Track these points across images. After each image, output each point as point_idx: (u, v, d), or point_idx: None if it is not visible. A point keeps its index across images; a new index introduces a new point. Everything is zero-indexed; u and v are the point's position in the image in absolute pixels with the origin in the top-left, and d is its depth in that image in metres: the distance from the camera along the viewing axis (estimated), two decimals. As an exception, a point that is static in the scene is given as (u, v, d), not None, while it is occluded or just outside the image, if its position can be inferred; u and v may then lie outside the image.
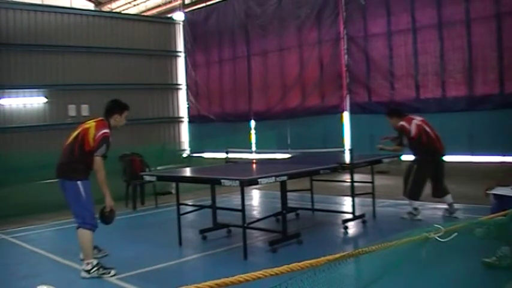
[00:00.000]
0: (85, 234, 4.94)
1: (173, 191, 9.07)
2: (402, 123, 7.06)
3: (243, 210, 5.38)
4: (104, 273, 4.91)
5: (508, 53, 10.67)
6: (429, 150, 6.99)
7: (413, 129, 6.96)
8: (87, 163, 4.95)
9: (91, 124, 5.07)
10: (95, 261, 4.94)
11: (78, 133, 5.04)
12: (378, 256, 2.40)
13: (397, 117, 7.19)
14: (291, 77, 15.17)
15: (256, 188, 10.52)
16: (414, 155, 7.11)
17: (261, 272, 1.88)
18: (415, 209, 7.04)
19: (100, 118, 5.19)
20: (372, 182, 7.34)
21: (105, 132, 4.99)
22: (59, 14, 16.06)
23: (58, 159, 5.12)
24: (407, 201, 7.34)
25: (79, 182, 4.93)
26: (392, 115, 7.25)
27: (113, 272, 4.94)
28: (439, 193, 7.10)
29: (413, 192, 6.98)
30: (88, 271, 4.90)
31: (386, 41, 12.73)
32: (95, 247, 5.32)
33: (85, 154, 4.94)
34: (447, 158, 7.32)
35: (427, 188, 7.12)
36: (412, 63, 12.23)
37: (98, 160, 4.92)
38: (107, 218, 5.19)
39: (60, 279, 5.02)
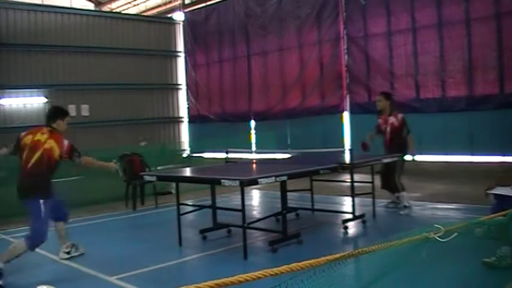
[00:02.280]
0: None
1: (173, 191, 9.07)
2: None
3: (243, 210, 5.38)
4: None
5: (508, 53, 10.67)
6: (403, 145, 7.67)
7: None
8: (52, 177, 5.38)
9: (50, 143, 5.27)
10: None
11: (42, 155, 5.23)
12: (378, 256, 2.40)
13: (391, 102, 7.93)
14: (291, 77, 15.17)
15: (256, 188, 10.52)
16: (392, 150, 7.58)
17: (261, 272, 1.88)
18: (398, 197, 7.69)
19: (45, 129, 5.39)
20: (372, 182, 7.34)
21: (69, 143, 5.39)
22: (59, 14, 16.07)
23: (20, 180, 5.30)
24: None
25: (42, 201, 5.13)
26: (389, 98, 7.99)
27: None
28: (390, 186, 7.77)
29: (402, 186, 7.64)
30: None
31: (386, 41, 12.72)
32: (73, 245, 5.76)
33: (55, 168, 5.35)
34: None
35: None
36: (412, 63, 12.22)
37: (85, 159, 5.52)
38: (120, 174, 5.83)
39: (60, 279, 5.02)
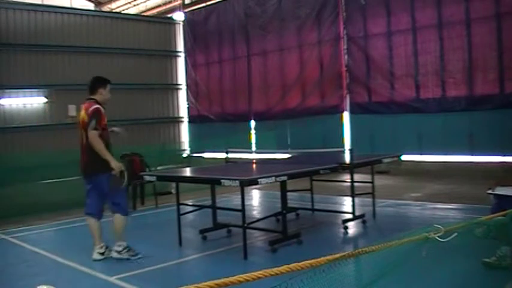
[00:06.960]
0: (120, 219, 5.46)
1: (173, 191, 9.08)
2: None
3: (243, 210, 5.38)
4: (132, 255, 5.44)
5: (508, 53, 10.67)
6: None
7: None
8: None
9: (82, 113, 5.38)
10: (125, 243, 5.47)
11: (82, 129, 5.35)
12: (378, 256, 2.40)
13: None
14: (291, 77, 15.17)
15: (256, 188, 10.52)
16: None
17: (261, 272, 1.88)
18: None
19: (86, 103, 5.45)
20: (372, 182, 7.33)
21: (95, 108, 5.29)
22: (59, 14, 16.07)
23: (82, 158, 5.42)
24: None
25: (108, 174, 5.27)
26: None
27: (140, 255, 5.46)
28: None
29: None
30: (119, 252, 5.44)
31: (386, 41, 12.72)
32: (107, 246, 5.64)
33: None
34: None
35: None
36: (412, 63, 12.22)
37: (92, 134, 5.20)
38: (118, 182, 5.35)
39: (60, 279, 5.02)
